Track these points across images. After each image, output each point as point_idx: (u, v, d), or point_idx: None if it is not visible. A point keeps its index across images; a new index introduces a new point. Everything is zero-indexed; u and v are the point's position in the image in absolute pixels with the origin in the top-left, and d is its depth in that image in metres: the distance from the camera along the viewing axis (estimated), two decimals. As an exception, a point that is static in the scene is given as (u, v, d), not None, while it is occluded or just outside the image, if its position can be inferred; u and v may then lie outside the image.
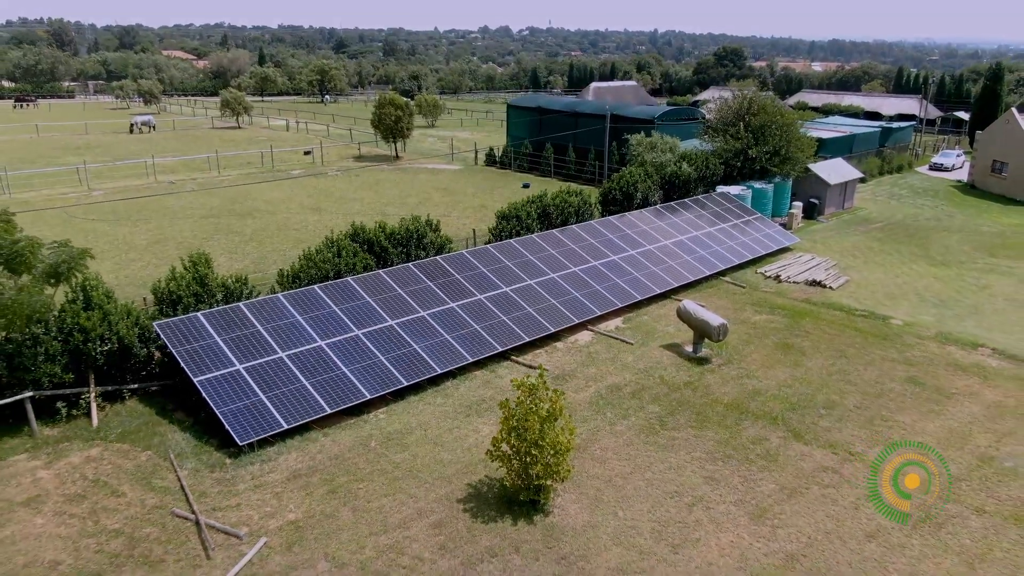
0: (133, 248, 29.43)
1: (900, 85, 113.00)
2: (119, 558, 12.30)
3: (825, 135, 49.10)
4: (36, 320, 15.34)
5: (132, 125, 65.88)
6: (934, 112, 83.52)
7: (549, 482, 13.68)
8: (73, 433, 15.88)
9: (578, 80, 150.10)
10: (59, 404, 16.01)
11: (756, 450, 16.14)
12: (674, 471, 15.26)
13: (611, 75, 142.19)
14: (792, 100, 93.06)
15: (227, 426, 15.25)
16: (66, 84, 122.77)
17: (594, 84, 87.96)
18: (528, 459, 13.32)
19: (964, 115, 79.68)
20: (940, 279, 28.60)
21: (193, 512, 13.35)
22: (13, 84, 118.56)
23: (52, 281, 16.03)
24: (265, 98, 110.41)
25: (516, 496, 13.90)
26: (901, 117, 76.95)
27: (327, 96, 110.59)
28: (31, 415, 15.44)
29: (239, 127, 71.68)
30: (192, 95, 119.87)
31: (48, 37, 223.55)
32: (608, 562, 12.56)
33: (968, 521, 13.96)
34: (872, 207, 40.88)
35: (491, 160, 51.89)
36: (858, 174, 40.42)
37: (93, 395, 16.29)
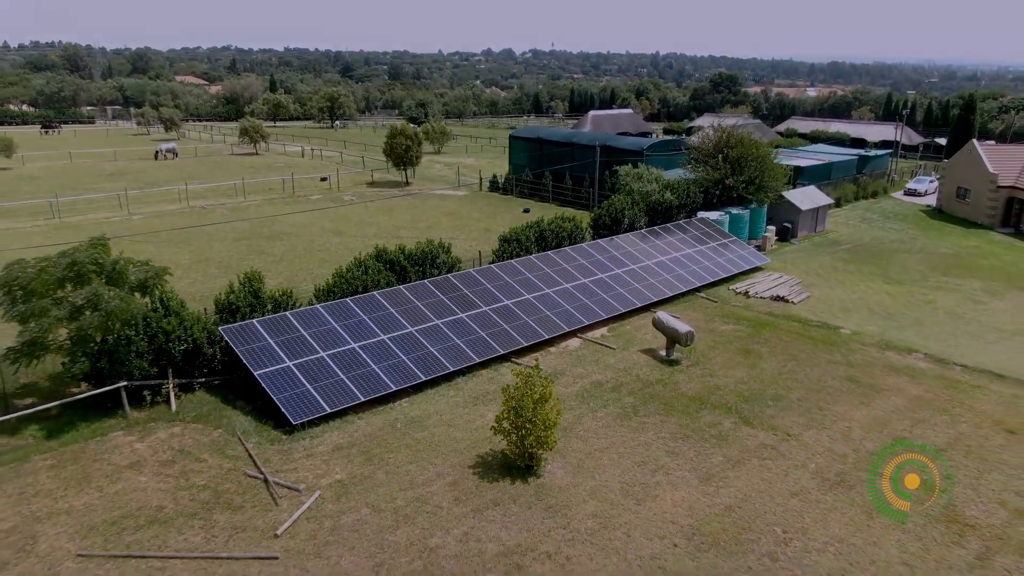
0: (179, 267, 33.22)
1: (889, 111, 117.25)
2: (208, 504, 16.00)
3: (804, 163, 53.13)
4: (130, 324, 19.11)
5: (157, 152, 70.17)
6: (916, 138, 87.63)
7: (540, 451, 17.38)
8: (157, 416, 19.64)
9: (579, 105, 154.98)
10: (145, 392, 19.77)
11: (711, 432, 19.81)
12: (642, 447, 18.94)
13: (611, 100, 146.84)
14: (782, 127, 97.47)
15: (283, 409, 18.99)
16: (85, 109, 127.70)
17: (592, 112, 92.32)
18: (524, 432, 17.01)
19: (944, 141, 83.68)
20: (892, 295, 32.31)
21: (261, 473, 17.06)
22: (34, 109, 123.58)
23: (140, 293, 19.84)
24: (277, 123, 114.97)
25: (514, 463, 17.57)
26: (885, 143, 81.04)
27: (337, 122, 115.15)
28: (125, 401, 19.22)
29: (257, 153, 75.95)
30: (207, 120, 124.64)
31: (61, 61, 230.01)
32: (585, 511, 16.20)
33: (874, 484, 17.57)
34: (843, 230, 44.68)
35: (494, 186, 55.92)
36: (829, 200, 44.30)
37: (172, 385, 20.06)
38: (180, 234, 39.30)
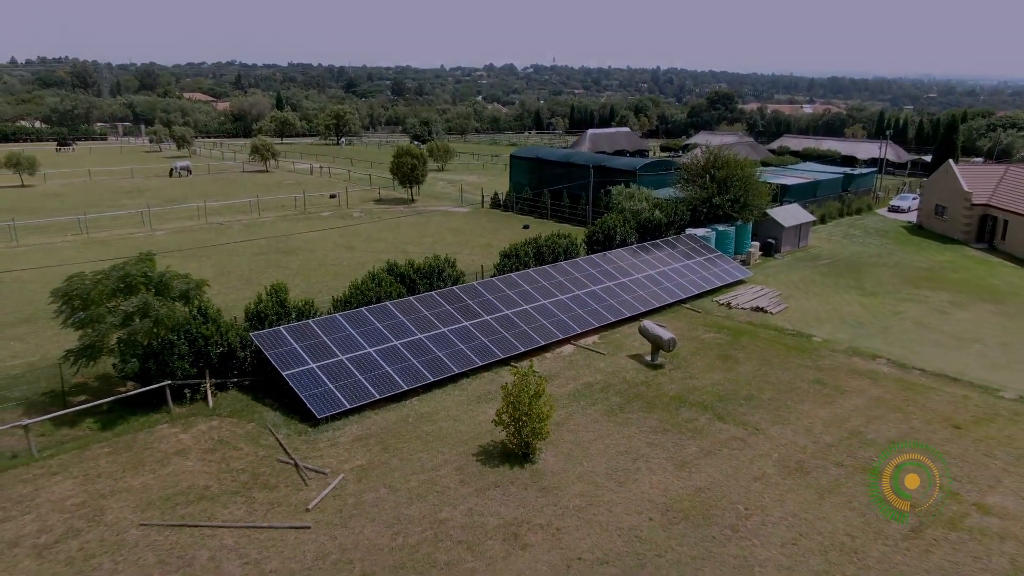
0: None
1: (881, 128, 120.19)
2: (247, 484, 18.50)
3: (791, 182, 55.80)
4: (174, 329, 21.67)
5: (172, 170, 73.06)
6: (905, 156, 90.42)
7: (535, 441, 19.87)
8: (196, 411, 22.17)
9: (579, 121, 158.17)
10: (186, 390, 22.30)
11: (687, 426, 22.30)
12: (625, 439, 21.42)
13: (610, 117, 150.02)
14: (775, 144, 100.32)
15: (308, 405, 21.52)
16: (97, 126, 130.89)
17: (590, 131, 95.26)
18: (520, 424, 19.51)
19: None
20: (864, 306, 34.84)
21: (292, 459, 19.56)
22: (47, 126, 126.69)
23: (182, 302, 22.42)
24: (284, 140, 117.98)
25: (512, 451, 20.06)
26: (875, 161, 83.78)
27: (343, 139, 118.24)
28: (169, 397, 21.76)
29: (267, 171, 78.82)
30: (216, 137, 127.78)
31: (70, 78, 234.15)
32: (573, 491, 18.67)
33: (828, 471, 20.03)
34: (825, 246, 47.27)
35: (496, 203, 58.64)
36: (811, 217, 46.93)
37: (209, 384, 22.59)
38: (202, 249, 41.93)
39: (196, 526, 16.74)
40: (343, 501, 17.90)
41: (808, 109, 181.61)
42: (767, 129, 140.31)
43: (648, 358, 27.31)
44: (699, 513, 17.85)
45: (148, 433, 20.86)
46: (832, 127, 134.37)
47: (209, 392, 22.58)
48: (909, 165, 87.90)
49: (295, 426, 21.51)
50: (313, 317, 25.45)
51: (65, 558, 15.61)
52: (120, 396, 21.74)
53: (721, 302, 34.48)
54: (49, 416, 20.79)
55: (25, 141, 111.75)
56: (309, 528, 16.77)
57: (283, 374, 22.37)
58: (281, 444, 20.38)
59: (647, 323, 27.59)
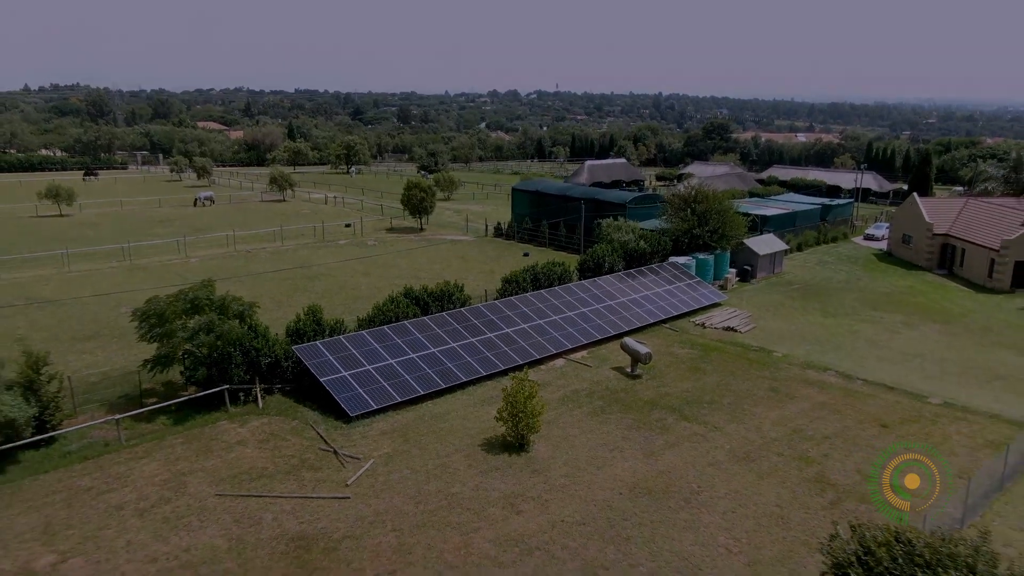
0: (239, 302, 40.55)
1: (870, 158, 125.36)
2: (297, 466, 22.99)
3: (771, 212, 60.62)
4: (232, 343, 26.28)
5: (196, 199, 78.20)
6: (887, 185, 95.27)
7: (529, 434, 24.35)
8: (249, 411, 26.72)
9: (580, 149, 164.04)
10: (240, 394, 26.87)
11: (657, 424, 26.75)
12: (604, 434, 25.87)
13: (610, 146, 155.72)
14: (765, 174, 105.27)
15: (343, 406, 26.06)
16: (118, 155, 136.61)
17: (588, 162, 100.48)
18: (517, 419, 24.01)
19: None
20: (824, 326, 39.33)
21: (331, 447, 24.06)
22: (68, 155, 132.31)
23: (238, 320, 27.07)
24: (297, 169, 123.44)
25: (511, 442, 24.52)
26: (861, 191, 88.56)
27: (353, 168, 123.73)
28: (227, 399, 26.33)
29: (284, 200, 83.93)
30: (230, 165, 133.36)
31: (85, 106, 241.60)
32: (559, 472, 23.09)
33: (770, 459, 24.43)
34: (799, 272, 51.83)
35: (498, 232, 63.46)
36: (785, 246, 51.59)
37: (258, 389, 27.16)
38: (234, 274, 46.65)
39: (260, 496, 21.24)
40: (374, 479, 22.38)
41: (802, 137, 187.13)
42: (760, 158, 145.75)
43: (629, 370, 31.78)
44: (660, 490, 22.28)
45: (212, 427, 25.42)
46: (823, 156, 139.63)
47: (259, 395, 27.13)
48: (891, 194, 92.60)
49: (331, 423, 26.03)
50: (343, 333, 30.06)
51: (161, 518, 20.11)
52: (188, 398, 26.34)
53: (697, 322, 39.01)
54: (131, 413, 25.34)
55: (51, 170, 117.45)
56: (349, 498, 21.24)
57: (321, 380, 26.93)
58: (321, 436, 24.90)
59: (628, 340, 32.15)
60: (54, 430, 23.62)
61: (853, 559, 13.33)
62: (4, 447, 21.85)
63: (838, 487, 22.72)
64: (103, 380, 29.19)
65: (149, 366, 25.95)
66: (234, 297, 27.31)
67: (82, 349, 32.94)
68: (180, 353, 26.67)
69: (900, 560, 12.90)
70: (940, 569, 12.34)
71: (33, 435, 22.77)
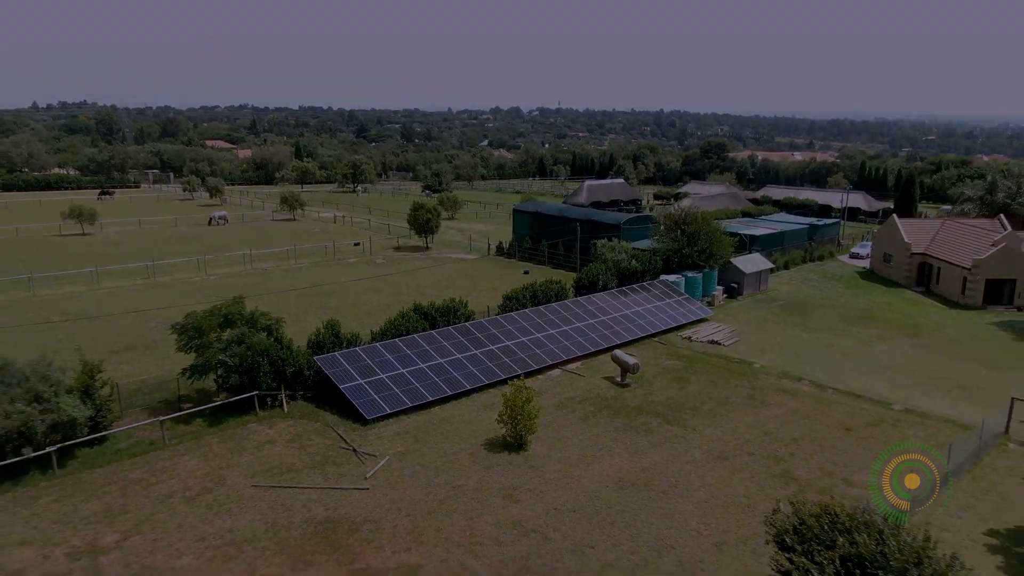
0: (259, 317, 43.60)
1: (863, 177, 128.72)
2: (321, 462, 25.97)
3: (760, 232, 63.75)
4: (262, 353, 29.34)
5: (211, 219, 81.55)
6: (876, 204, 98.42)
7: (527, 435, 27.32)
8: (275, 415, 29.75)
9: (580, 168, 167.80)
10: (267, 399, 29.90)
11: (642, 428, 29.71)
12: (594, 436, 28.83)
13: (610, 165, 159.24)
14: (759, 194, 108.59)
15: (360, 410, 29.07)
16: (130, 174, 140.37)
17: (587, 182, 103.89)
18: (516, 421, 27.00)
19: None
20: (803, 340, 42.30)
21: (350, 446, 27.05)
22: (81, 174, 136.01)
23: (266, 333, 30.15)
24: (305, 187, 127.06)
25: (510, 442, 27.50)
26: (850, 211, 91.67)
27: (359, 187, 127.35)
28: (256, 404, 29.37)
29: (295, 219, 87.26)
30: (239, 184, 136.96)
31: (94, 124, 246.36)
32: (553, 468, 26.04)
33: (742, 457, 27.35)
34: (784, 289, 54.85)
35: (500, 251, 66.64)
36: (770, 264, 54.66)
37: (284, 395, 30.19)
38: (252, 291, 49.73)
39: (290, 487, 24.22)
40: (390, 473, 25.36)
41: (798, 156, 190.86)
42: (757, 176, 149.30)
43: (619, 379, 34.75)
44: (642, 483, 25.22)
45: (243, 428, 28.44)
46: (817, 175, 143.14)
47: (284, 400, 30.16)
48: (881, 213, 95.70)
49: (349, 425, 29.02)
50: (359, 345, 33.11)
51: (206, 504, 23.11)
52: (221, 402, 29.39)
53: (684, 336, 42.01)
54: (172, 416, 28.38)
55: (66, 189, 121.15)
56: (368, 489, 24.21)
57: (340, 387, 29.97)
58: (341, 436, 27.91)
59: (618, 352, 35.17)
60: (106, 430, 26.66)
61: (789, 528, 16.27)
62: (66, 444, 24.87)
63: (800, 481, 25.63)
64: (141, 387, 32.23)
65: (188, 374, 29.02)
66: (262, 312, 30.44)
67: (119, 360, 35.99)
68: (215, 362, 29.70)
69: (826, 527, 15.83)
70: (855, 533, 15.27)
71: (88, 434, 25.81)
